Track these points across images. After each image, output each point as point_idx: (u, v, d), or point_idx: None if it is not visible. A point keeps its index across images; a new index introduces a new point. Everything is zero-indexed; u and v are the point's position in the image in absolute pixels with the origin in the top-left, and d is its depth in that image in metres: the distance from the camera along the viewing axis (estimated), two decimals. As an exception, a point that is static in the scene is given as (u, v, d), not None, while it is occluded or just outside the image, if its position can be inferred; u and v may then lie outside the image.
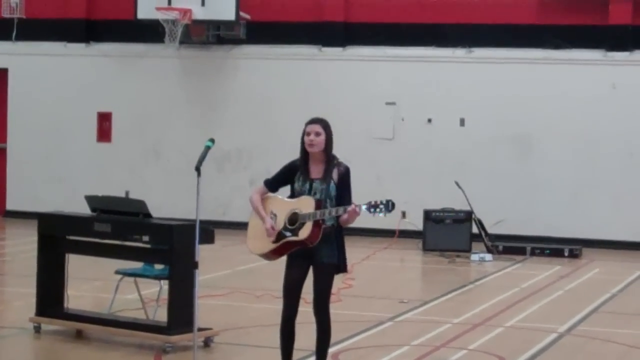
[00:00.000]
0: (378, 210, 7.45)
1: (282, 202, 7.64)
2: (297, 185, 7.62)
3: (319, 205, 7.48)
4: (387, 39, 18.02)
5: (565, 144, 17.27)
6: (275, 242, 7.56)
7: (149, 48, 18.75)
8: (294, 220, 7.50)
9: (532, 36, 17.44)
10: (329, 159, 7.62)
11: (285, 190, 7.73)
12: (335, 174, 7.61)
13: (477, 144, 17.54)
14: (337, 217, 7.55)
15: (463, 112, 17.68)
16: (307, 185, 7.58)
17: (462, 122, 17.71)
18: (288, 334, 7.72)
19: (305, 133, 7.60)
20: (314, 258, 7.59)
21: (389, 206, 7.44)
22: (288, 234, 7.52)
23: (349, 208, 7.44)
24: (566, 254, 16.03)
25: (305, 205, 7.49)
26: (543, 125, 17.31)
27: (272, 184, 7.75)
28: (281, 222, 7.55)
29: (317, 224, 7.44)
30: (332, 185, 7.57)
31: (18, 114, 19.42)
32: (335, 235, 7.61)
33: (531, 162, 17.40)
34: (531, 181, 17.36)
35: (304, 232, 7.45)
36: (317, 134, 7.58)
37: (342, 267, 7.69)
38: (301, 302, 7.65)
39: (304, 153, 7.63)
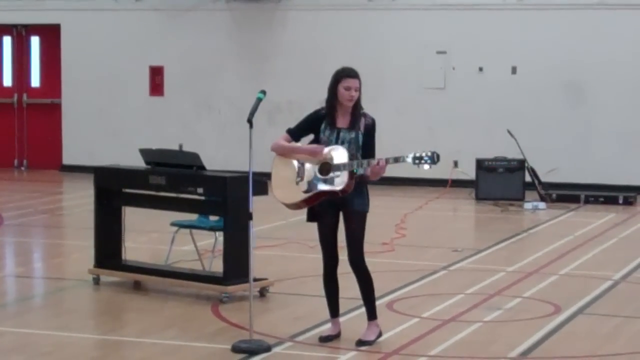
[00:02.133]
0: (423, 162, 7.43)
1: None
2: (323, 134, 7.58)
3: (352, 155, 7.46)
4: (438, -13, 17.85)
5: (618, 90, 17.04)
6: (306, 191, 7.51)
7: (199, 1, 18.76)
8: (326, 170, 7.47)
9: (584, -19, 17.17)
10: (356, 109, 7.60)
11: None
12: (362, 124, 7.59)
13: (529, 91, 17.38)
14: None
15: (514, 60, 17.50)
16: (334, 135, 7.57)
17: (513, 70, 17.55)
18: (331, 285, 7.78)
19: (342, 86, 7.55)
20: (345, 206, 7.58)
21: (434, 158, 7.42)
22: (321, 183, 7.51)
23: (381, 162, 7.35)
24: (620, 201, 15.91)
25: (338, 155, 7.44)
26: (596, 72, 17.09)
27: (296, 133, 7.69)
28: (310, 171, 7.51)
29: (351, 175, 7.43)
30: (360, 134, 7.56)
31: (71, 69, 19.59)
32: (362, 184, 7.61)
33: (584, 109, 17.22)
34: (585, 128, 17.19)
35: (340, 183, 7.42)
36: (356, 90, 7.58)
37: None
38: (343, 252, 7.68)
39: (334, 103, 7.59)
